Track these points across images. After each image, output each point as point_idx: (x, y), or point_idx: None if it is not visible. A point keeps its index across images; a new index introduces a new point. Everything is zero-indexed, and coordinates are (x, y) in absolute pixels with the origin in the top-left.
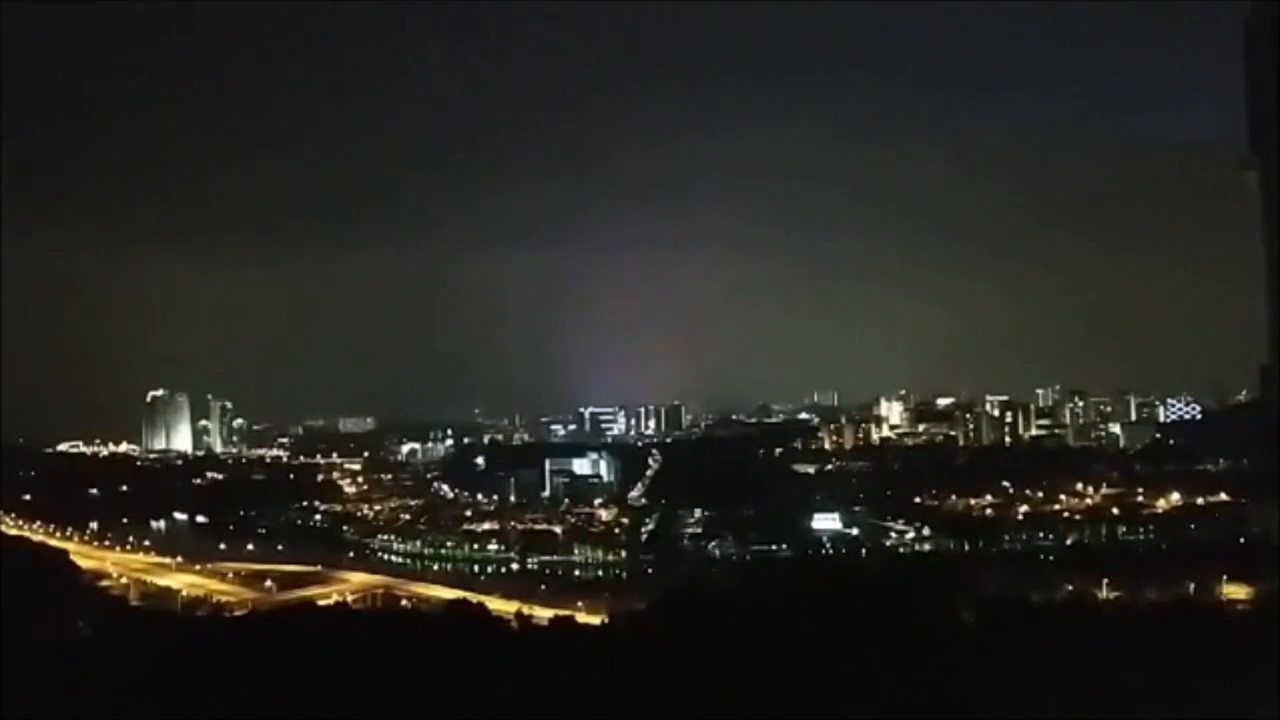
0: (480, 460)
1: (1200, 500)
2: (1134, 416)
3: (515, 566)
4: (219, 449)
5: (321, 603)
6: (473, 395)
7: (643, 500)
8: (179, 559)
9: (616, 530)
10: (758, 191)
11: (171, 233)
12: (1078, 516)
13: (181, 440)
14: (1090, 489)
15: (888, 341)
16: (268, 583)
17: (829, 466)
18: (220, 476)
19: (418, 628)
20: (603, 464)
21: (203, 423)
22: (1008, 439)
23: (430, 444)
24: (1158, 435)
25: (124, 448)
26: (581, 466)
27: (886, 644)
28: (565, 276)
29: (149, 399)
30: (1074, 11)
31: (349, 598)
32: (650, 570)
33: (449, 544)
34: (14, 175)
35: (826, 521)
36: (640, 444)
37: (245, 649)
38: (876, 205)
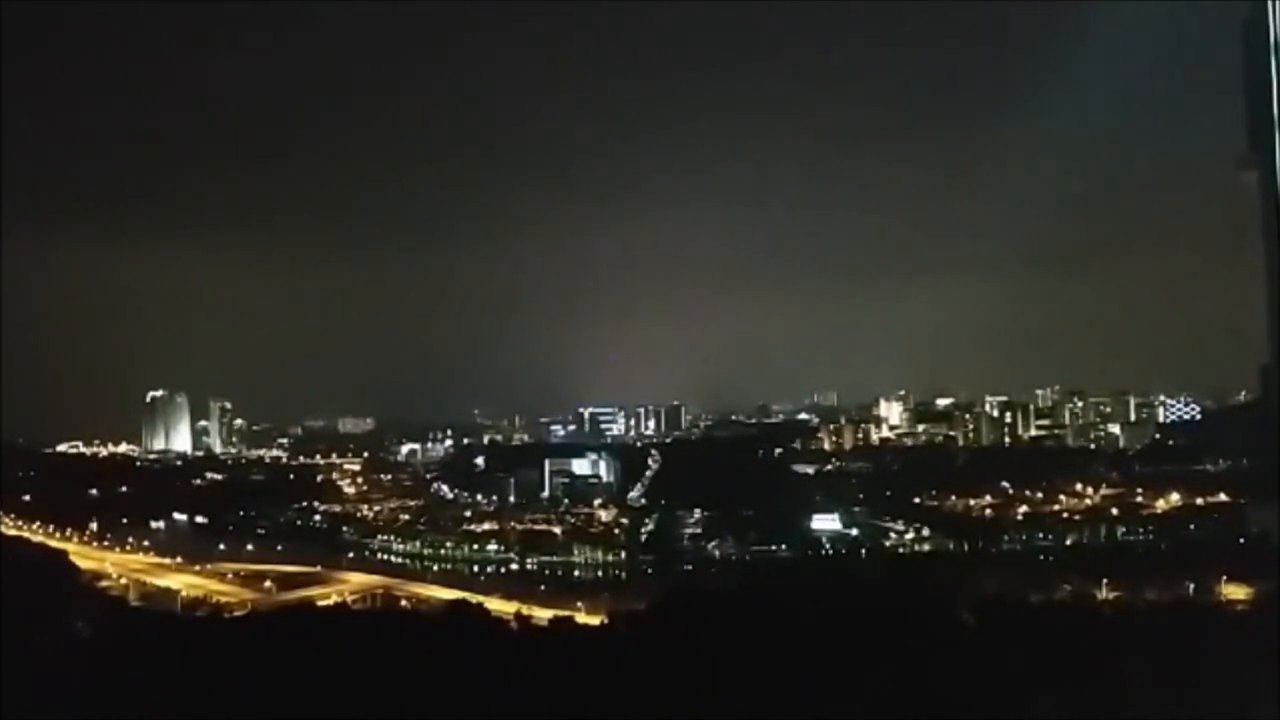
0: (480, 460)
1: (1200, 500)
2: (1134, 416)
3: (515, 567)
4: (219, 449)
5: (321, 603)
6: (473, 395)
7: (642, 501)
8: (178, 559)
9: (616, 531)
10: (758, 190)
11: (171, 233)
12: (1077, 517)
13: (181, 441)
14: (1090, 489)
15: (888, 341)
16: (267, 583)
17: (829, 467)
18: (220, 477)
19: (417, 628)
20: (602, 464)
21: (202, 423)
22: (1007, 439)
23: (430, 444)
24: (1157, 435)
25: (124, 448)
26: (581, 467)
27: (886, 644)
28: (565, 276)
29: (149, 399)
30: (1071, 10)
31: (349, 598)
32: (650, 571)
33: (448, 544)
34: (14, 175)
35: (826, 522)
36: (640, 444)
37: (245, 649)
38: (876, 204)
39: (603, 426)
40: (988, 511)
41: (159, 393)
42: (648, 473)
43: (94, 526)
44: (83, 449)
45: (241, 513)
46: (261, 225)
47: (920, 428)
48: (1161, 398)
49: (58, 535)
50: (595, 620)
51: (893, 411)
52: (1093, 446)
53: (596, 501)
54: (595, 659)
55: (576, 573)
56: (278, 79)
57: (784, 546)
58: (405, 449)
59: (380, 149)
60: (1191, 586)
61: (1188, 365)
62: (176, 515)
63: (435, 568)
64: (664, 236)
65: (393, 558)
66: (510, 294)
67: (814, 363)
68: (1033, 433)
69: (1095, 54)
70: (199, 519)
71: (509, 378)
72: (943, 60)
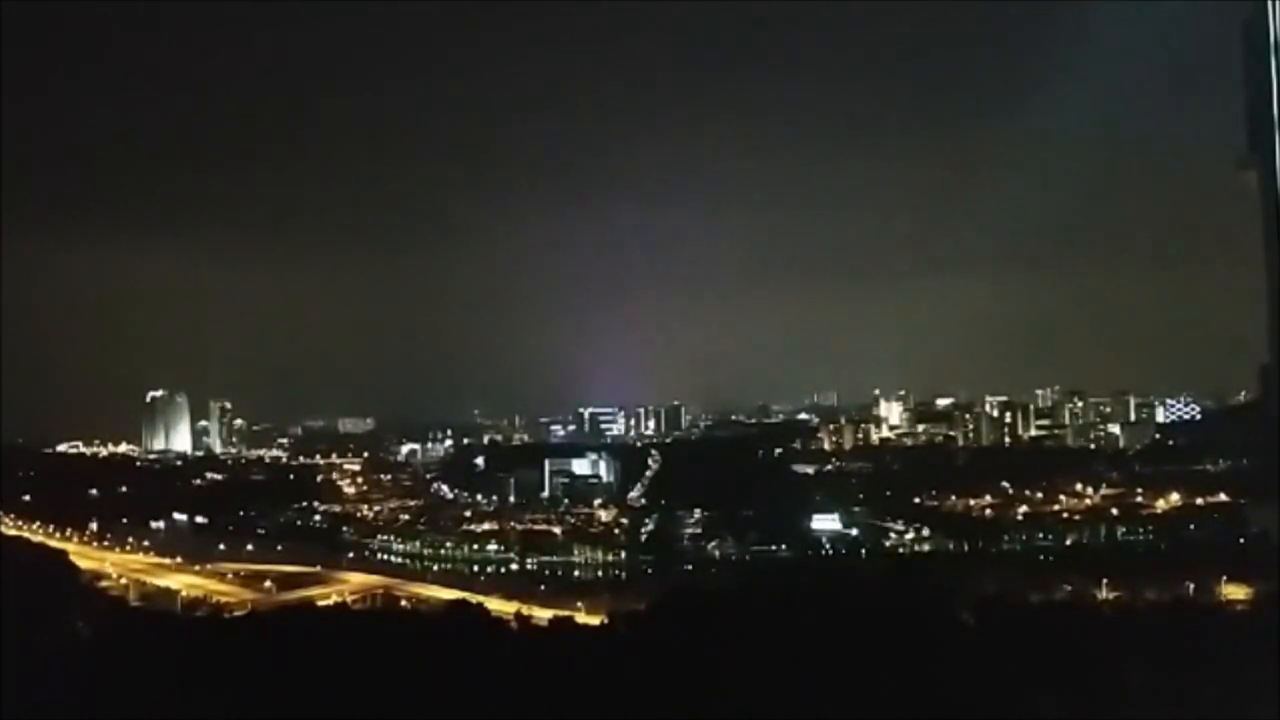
0: (480, 460)
1: (1200, 500)
2: (1133, 416)
3: (515, 567)
4: (218, 449)
5: (321, 603)
6: (473, 395)
7: (642, 501)
8: (178, 559)
9: (616, 531)
10: (757, 189)
11: (172, 233)
12: (1077, 517)
13: (181, 441)
14: (1090, 489)
15: (888, 341)
16: (267, 583)
17: (828, 467)
18: (220, 477)
19: (417, 628)
20: (602, 464)
21: (202, 423)
22: (1007, 439)
23: (430, 444)
24: (1157, 435)
25: (124, 448)
26: (581, 467)
27: (886, 644)
28: (566, 276)
29: (149, 399)
30: (1071, 10)
31: (349, 598)
32: (650, 570)
33: (448, 544)
34: (14, 175)
35: (826, 522)
36: (640, 444)
37: (245, 649)
38: (876, 204)
39: (603, 426)
40: (988, 511)
41: (159, 393)
42: (648, 473)
43: (94, 526)
44: (83, 449)
45: (241, 513)
46: (262, 225)
47: (920, 428)
48: (1162, 398)
49: (58, 535)
50: (595, 620)
51: (893, 411)
52: (1093, 446)
53: (596, 501)
54: (595, 659)
55: (576, 573)
56: (278, 79)
57: (784, 546)
58: (405, 449)
59: (381, 149)
60: (1191, 586)
61: (1188, 365)
62: (176, 515)
63: (435, 568)
64: (664, 237)
65: (393, 558)
66: (511, 294)
67: (814, 363)
68: (1033, 433)
69: (1095, 54)
70: (199, 519)
71: (509, 378)
72: (944, 60)
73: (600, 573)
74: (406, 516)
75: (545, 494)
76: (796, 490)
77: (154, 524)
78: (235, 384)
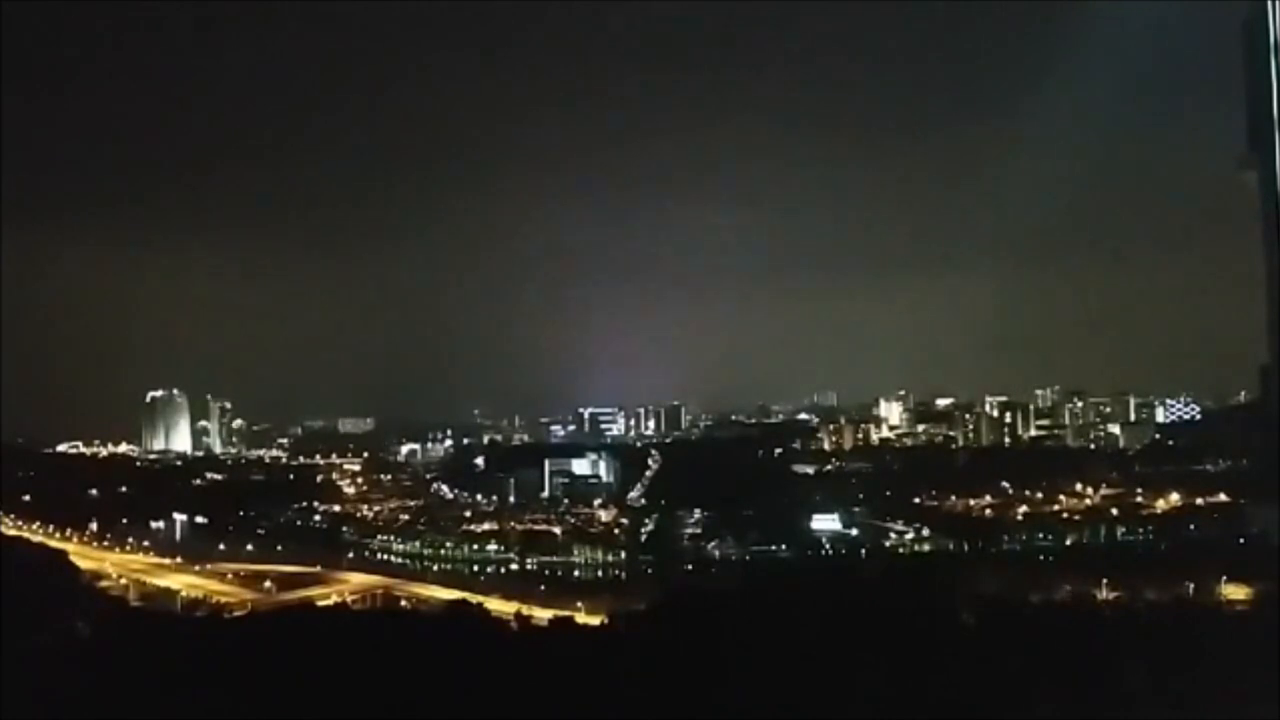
0: (480, 461)
1: (1200, 500)
2: (1133, 417)
3: (515, 567)
4: (218, 449)
5: (321, 603)
6: (473, 395)
7: (642, 501)
8: (178, 559)
9: (616, 531)
10: (758, 190)
11: (171, 233)
12: (1077, 517)
13: (181, 441)
14: (1089, 489)
15: (888, 341)
16: (267, 583)
17: (828, 467)
18: (219, 477)
19: (417, 628)
20: (602, 464)
21: (202, 423)
22: (1007, 439)
23: (430, 444)
24: (1157, 435)
25: (124, 448)
26: (581, 467)
27: (886, 644)
28: (566, 276)
29: (149, 399)
30: (1071, 10)
31: (348, 598)
32: (650, 571)
33: (448, 544)
34: (14, 175)
35: (826, 522)
36: (640, 444)
37: (245, 649)
38: (876, 204)
39: (603, 426)
40: (988, 511)
41: (159, 393)
42: (648, 473)
43: (94, 526)
44: (83, 449)
45: (241, 513)
46: (261, 225)
47: (920, 428)
48: (1162, 398)
49: (58, 535)
50: (595, 620)
51: (893, 411)
52: (1093, 446)
53: (596, 501)
54: (595, 659)
55: (576, 573)
56: (277, 79)
57: (784, 546)
58: (405, 449)
59: (380, 148)
60: (1191, 586)
61: (1188, 365)
62: (176, 515)
63: (435, 568)
64: (665, 237)
65: (393, 558)
66: (511, 294)
67: (814, 363)
68: (1033, 433)
69: (1095, 54)
70: (199, 519)
71: (509, 378)
72: (944, 59)
73: (600, 573)
74: (406, 516)
75: (545, 494)
76: (796, 490)
77: (154, 524)
78: (235, 384)
